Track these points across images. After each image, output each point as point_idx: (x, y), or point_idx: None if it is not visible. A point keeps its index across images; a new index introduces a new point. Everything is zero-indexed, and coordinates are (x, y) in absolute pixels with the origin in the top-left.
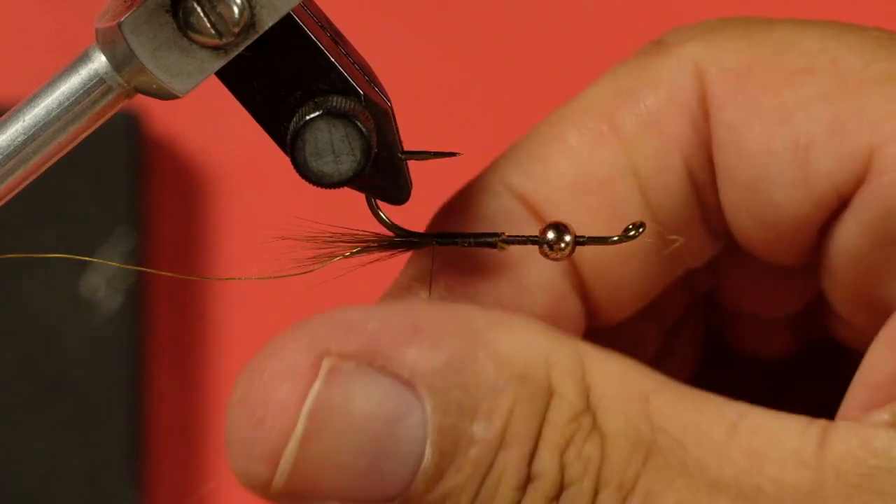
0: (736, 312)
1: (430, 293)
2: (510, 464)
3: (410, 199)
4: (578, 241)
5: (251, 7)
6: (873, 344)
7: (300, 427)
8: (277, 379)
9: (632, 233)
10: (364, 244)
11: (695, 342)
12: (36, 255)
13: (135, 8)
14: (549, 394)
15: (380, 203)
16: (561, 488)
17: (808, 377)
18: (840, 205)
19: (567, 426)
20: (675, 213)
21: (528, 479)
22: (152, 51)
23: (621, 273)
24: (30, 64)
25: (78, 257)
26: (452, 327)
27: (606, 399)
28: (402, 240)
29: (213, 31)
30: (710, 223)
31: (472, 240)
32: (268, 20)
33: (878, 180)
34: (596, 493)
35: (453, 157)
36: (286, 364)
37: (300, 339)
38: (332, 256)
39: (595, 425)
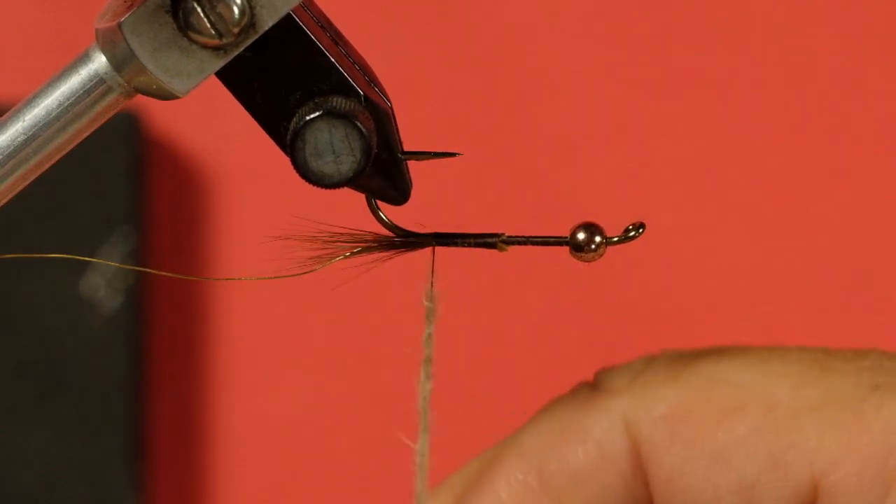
0: None
1: (430, 291)
2: None
3: (410, 199)
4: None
5: (251, 7)
6: None
7: None
8: None
9: (632, 233)
10: (364, 244)
11: None
12: (36, 256)
13: (135, 8)
14: None
15: (380, 203)
16: None
17: None
18: None
19: None
20: None
21: None
22: (152, 51)
23: None
24: (30, 64)
25: (78, 257)
26: None
27: None
28: (401, 240)
29: (213, 32)
30: None
31: (472, 240)
32: (268, 20)
33: None
34: None
35: (453, 157)
36: None
37: None
38: (332, 256)
39: None
